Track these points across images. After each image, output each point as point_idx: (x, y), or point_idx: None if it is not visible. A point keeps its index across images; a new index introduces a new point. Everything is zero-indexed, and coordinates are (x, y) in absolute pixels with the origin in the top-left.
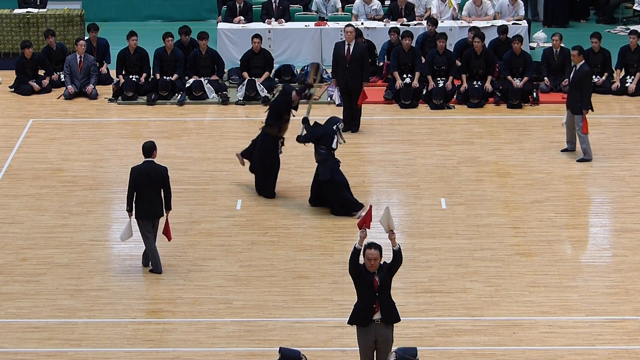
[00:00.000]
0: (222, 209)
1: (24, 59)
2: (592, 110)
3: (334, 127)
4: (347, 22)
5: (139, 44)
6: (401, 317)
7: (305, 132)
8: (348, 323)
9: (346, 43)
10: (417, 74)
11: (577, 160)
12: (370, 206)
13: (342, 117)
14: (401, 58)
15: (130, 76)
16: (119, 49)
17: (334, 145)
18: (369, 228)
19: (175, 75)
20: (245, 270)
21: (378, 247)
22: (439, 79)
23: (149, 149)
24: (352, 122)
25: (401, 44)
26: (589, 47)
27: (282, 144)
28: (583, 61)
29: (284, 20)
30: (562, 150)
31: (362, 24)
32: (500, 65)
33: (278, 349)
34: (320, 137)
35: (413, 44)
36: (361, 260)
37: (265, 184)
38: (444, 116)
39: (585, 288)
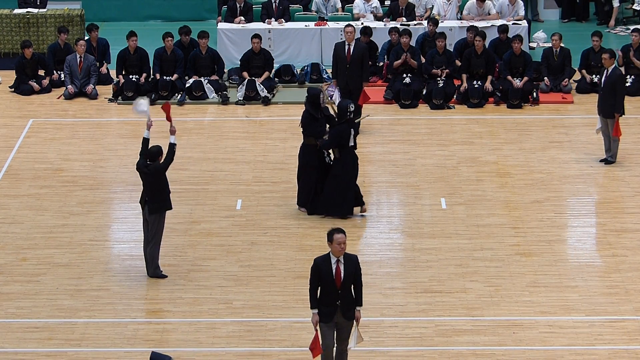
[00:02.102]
0: (222, 209)
1: (24, 59)
2: (624, 114)
3: (348, 113)
4: (347, 22)
5: (139, 44)
6: (401, 317)
7: (326, 137)
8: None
9: (346, 43)
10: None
11: (600, 161)
12: (317, 332)
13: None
14: (400, 56)
15: (130, 76)
16: (119, 49)
17: (351, 142)
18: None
19: (175, 75)
20: (245, 270)
21: (344, 231)
22: (439, 79)
23: (154, 154)
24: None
25: (400, 43)
26: (590, 46)
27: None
28: (614, 65)
29: (284, 20)
30: (600, 160)
31: (362, 24)
32: (500, 65)
33: (150, 352)
34: (340, 140)
35: (413, 44)
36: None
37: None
38: (444, 116)
39: (585, 288)
